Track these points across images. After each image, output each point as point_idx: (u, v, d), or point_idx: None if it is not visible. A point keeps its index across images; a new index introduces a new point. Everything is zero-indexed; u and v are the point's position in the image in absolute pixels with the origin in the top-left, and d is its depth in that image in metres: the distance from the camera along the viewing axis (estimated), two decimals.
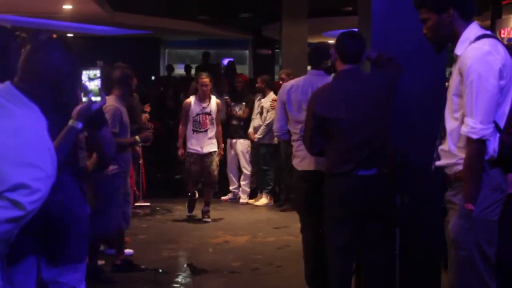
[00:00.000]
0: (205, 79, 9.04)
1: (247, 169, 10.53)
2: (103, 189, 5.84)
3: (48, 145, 2.51)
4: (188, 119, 9.09)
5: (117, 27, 15.97)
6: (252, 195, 10.67)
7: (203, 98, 9.09)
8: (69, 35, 16.78)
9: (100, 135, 3.30)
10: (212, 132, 9.10)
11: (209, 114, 9.08)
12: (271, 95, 10.04)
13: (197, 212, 9.33)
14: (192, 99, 9.16)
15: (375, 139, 4.40)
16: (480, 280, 3.33)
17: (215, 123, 9.14)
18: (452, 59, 3.46)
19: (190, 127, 9.07)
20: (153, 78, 17.66)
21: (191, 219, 9.31)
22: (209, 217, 9.20)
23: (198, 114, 9.05)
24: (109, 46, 17.11)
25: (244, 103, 10.51)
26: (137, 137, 6.01)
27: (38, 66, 3.06)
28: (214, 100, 9.20)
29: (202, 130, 9.05)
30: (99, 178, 5.60)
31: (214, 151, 9.14)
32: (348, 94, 4.44)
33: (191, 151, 9.05)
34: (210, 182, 9.25)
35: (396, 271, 4.67)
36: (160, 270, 6.54)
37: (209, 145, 9.10)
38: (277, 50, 17.31)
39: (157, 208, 10.00)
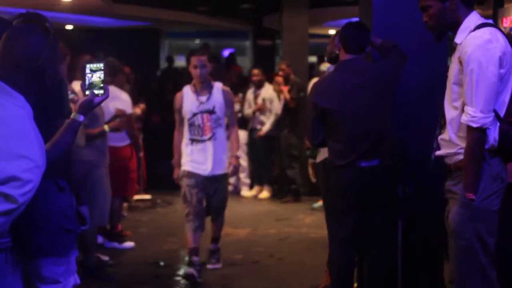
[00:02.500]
0: (201, 56, 5.97)
1: (245, 161, 10.49)
2: (88, 179, 5.82)
3: (35, 134, 2.47)
4: (183, 122, 6.09)
5: (116, 19, 15.92)
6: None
7: (200, 88, 5.99)
8: (68, 27, 16.74)
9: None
10: (220, 139, 6.09)
11: (212, 112, 5.98)
12: (269, 86, 10.05)
13: None
14: (185, 91, 6.08)
15: (376, 131, 4.37)
16: (480, 270, 3.32)
17: (223, 124, 6.15)
18: (453, 49, 3.44)
19: (186, 134, 6.03)
20: (158, 72, 17.60)
21: None
22: (218, 261, 6.42)
23: (195, 114, 5.97)
24: (108, 38, 17.05)
25: (240, 95, 10.43)
26: (105, 127, 5.99)
27: (17, 52, 2.98)
28: (218, 88, 6.08)
29: (204, 138, 5.98)
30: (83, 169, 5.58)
31: (225, 174, 6.18)
32: (347, 85, 4.41)
33: (189, 170, 5.99)
34: (218, 215, 6.34)
35: (398, 262, 4.66)
36: (161, 263, 6.52)
37: (218, 162, 6.04)
38: (278, 41, 17.27)
39: (158, 201, 9.98)
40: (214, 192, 6.09)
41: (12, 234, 3.10)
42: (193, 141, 5.98)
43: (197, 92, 6.01)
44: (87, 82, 3.08)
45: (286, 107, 9.81)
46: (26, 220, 3.16)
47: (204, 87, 6.01)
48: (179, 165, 6.05)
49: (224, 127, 6.11)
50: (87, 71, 3.08)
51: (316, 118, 4.48)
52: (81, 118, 3.02)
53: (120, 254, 6.84)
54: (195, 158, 5.97)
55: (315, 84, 4.71)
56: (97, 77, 3.09)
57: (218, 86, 6.09)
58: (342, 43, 4.50)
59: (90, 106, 3.06)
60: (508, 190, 3.44)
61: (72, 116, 3.03)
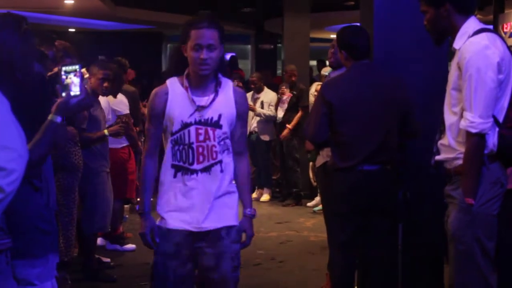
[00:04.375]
0: (210, 30, 3.39)
1: None
2: (90, 185, 5.85)
3: (15, 124, 2.47)
4: (159, 140, 3.57)
5: (119, 22, 15.96)
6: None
7: (199, 84, 3.46)
8: (70, 30, 16.78)
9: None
10: (227, 172, 3.50)
11: (217, 124, 3.44)
12: (269, 91, 10.12)
13: None
14: (170, 86, 3.49)
15: (381, 135, 4.37)
16: (479, 274, 3.33)
17: (231, 148, 3.52)
18: (452, 54, 3.46)
19: (166, 159, 3.48)
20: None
21: None
22: None
23: (186, 126, 3.43)
24: (111, 41, 17.09)
25: None
26: (105, 131, 6.00)
27: None
28: (228, 87, 3.52)
29: (197, 168, 3.42)
30: (85, 174, 5.61)
31: (234, 229, 3.53)
32: (359, 85, 4.41)
33: (167, 226, 3.48)
34: None
35: (398, 266, 4.67)
36: None
37: (220, 210, 3.48)
38: (279, 45, 17.29)
39: None
40: (215, 262, 3.44)
41: None
42: (178, 171, 3.39)
43: (193, 90, 3.43)
44: (63, 84, 3.07)
45: (289, 110, 9.81)
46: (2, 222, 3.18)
47: (206, 83, 3.43)
48: (149, 217, 3.51)
49: (230, 151, 3.48)
50: (62, 73, 3.07)
51: (323, 116, 4.42)
52: (58, 119, 2.98)
53: (121, 256, 6.86)
54: (179, 204, 3.41)
55: (328, 83, 4.70)
56: (72, 78, 3.09)
57: (227, 83, 3.50)
58: (348, 51, 4.49)
59: (67, 107, 3.01)
60: (508, 195, 3.46)
61: (49, 117, 3.00)
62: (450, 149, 3.42)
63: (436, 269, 4.74)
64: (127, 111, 6.90)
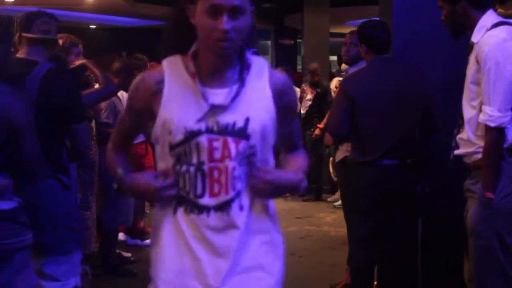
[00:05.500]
0: None
1: None
2: (109, 180, 5.89)
3: None
4: (132, 136, 2.47)
5: (139, 18, 16.01)
6: None
7: (214, 67, 2.15)
8: (91, 26, 16.86)
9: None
10: (250, 207, 2.18)
11: (242, 134, 2.12)
12: None
13: None
14: (167, 71, 2.20)
15: (401, 129, 4.36)
16: (499, 269, 3.31)
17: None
18: (470, 48, 3.45)
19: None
20: None
21: None
22: None
23: (192, 136, 2.11)
24: (131, 38, 17.15)
25: None
26: None
27: None
28: (261, 74, 2.22)
29: (208, 204, 2.13)
30: (106, 169, 5.65)
31: None
32: (379, 79, 4.40)
33: None
34: None
35: (418, 260, 4.66)
36: None
37: (246, 267, 2.20)
38: (299, 40, 17.27)
39: None
40: None
41: None
42: (179, 204, 2.20)
43: (204, 78, 2.19)
44: None
45: (313, 107, 9.76)
46: (33, 219, 3.23)
47: (226, 67, 2.20)
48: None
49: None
50: None
51: (345, 111, 4.41)
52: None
53: (142, 250, 6.88)
54: (184, 263, 2.20)
55: (348, 78, 4.70)
56: None
57: (260, 66, 2.26)
58: (369, 45, 4.48)
59: None
60: None
61: None
62: (469, 143, 3.40)
63: (455, 264, 4.72)
64: None
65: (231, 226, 2.15)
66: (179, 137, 2.12)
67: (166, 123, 2.14)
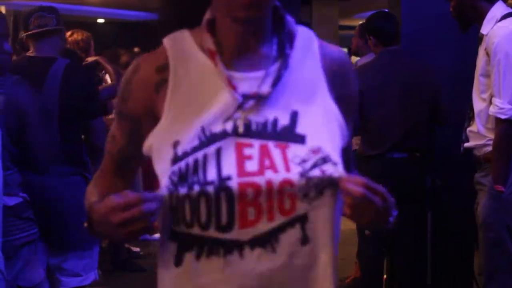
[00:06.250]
0: None
1: None
2: None
3: None
4: (128, 161, 1.60)
5: (148, 12, 16.01)
6: None
7: (240, 47, 1.44)
8: (99, 20, 16.87)
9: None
10: (323, 239, 1.42)
11: (291, 135, 1.40)
12: None
13: None
14: (171, 49, 1.48)
15: (409, 122, 4.34)
16: (509, 262, 3.31)
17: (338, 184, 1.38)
18: (479, 40, 3.43)
19: (163, 217, 1.40)
20: None
21: None
22: None
23: (212, 139, 1.39)
24: (140, 32, 17.16)
25: None
26: None
27: None
28: (310, 47, 1.52)
29: (242, 238, 1.38)
30: None
31: None
32: (387, 72, 4.38)
33: None
34: None
35: (427, 254, 4.65)
36: None
37: None
38: None
39: None
40: None
41: (42, 228, 3.20)
42: (186, 249, 1.41)
43: (228, 56, 1.46)
44: None
45: None
46: (57, 215, 3.26)
47: (259, 39, 1.47)
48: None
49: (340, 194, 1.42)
50: None
51: None
52: None
53: (150, 245, 6.89)
54: None
55: (358, 69, 4.68)
56: None
57: (307, 37, 1.55)
58: (377, 36, 4.46)
59: None
60: None
61: None
62: (479, 136, 3.39)
63: (465, 257, 4.71)
64: None
65: (284, 267, 1.40)
66: (191, 143, 1.39)
67: (172, 124, 1.43)
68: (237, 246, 1.38)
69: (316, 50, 1.52)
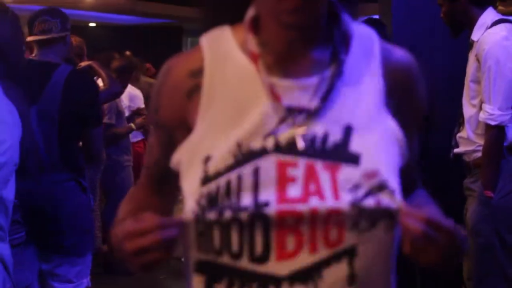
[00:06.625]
0: None
1: None
2: (117, 179, 5.90)
3: (5, 101, 2.48)
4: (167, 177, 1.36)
5: (139, 16, 16.01)
6: None
7: (286, 52, 1.25)
8: (91, 24, 16.85)
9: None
10: (376, 275, 1.23)
11: (344, 154, 1.20)
12: None
13: None
14: (209, 52, 1.29)
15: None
16: (498, 267, 3.32)
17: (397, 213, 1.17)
18: (470, 46, 3.44)
19: (187, 246, 1.24)
20: None
21: None
22: None
23: (250, 156, 1.20)
24: (131, 36, 17.14)
25: None
26: (132, 125, 6.02)
27: None
28: (369, 50, 1.31)
29: (280, 272, 1.18)
30: (111, 168, 5.67)
31: None
32: None
33: None
34: None
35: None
36: (183, 259, 6.53)
37: None
38: None
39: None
40: None
41: (35, 233, 3.17)
42: (214, 281, 1.23)
43: (273, 61, 1.26)
44: None
45: None
46: (51, 221, 3.24)
47: (310, 42, 1.27)
48: None
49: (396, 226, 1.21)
50: None
51: None
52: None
53: None
54: None
55: None
56: None
57: (366, 38, 1.34)
58: None
59: None
60: None
61: None
62: (469, 141, 3.40)
63: None
64: (143, 105, 6.92)
65: None
66: (225, 160, 1.21)
67: (204, 137, 1.25)
68: (273, 281, 1.19)
69: (377, 54, 1.32)
